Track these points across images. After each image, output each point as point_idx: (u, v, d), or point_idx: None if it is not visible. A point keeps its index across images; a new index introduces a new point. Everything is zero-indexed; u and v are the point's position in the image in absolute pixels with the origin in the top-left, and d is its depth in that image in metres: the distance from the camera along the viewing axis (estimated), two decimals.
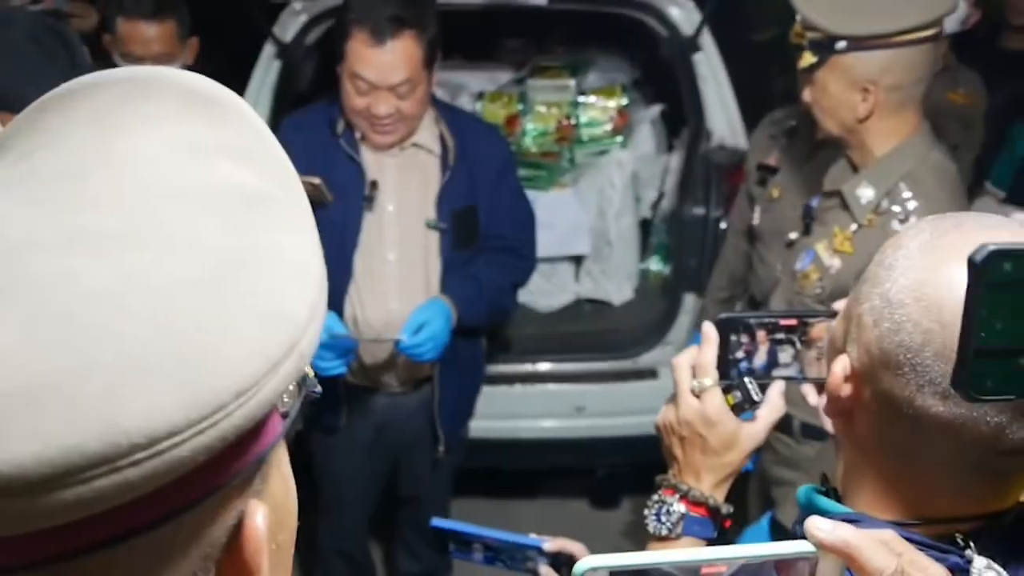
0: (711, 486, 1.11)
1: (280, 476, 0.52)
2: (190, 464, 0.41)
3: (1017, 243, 0.61)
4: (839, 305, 0.98)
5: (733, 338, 1.13)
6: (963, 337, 0.61)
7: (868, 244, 1.94)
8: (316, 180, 2.17)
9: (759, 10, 5.02)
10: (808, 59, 1.90)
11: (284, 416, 0.48)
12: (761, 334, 1.14)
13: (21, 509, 0.38)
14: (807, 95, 1.97)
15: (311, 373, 0.52)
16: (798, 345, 1.14)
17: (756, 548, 0.69)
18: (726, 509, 1.12)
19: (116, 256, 0.42)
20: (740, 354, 1.13)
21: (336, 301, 2.30)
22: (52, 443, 0.37)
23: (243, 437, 0.44)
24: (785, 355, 1.14)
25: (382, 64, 2.09)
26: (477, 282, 2.31)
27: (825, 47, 1.86)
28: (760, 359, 1.14)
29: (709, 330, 1.12)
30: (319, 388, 0.54)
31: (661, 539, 1.11)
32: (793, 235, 2.25)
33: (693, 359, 1.12)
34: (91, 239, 0.42)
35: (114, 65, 2.56)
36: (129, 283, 0.41)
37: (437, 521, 1.61)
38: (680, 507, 1.10)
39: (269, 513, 0.48)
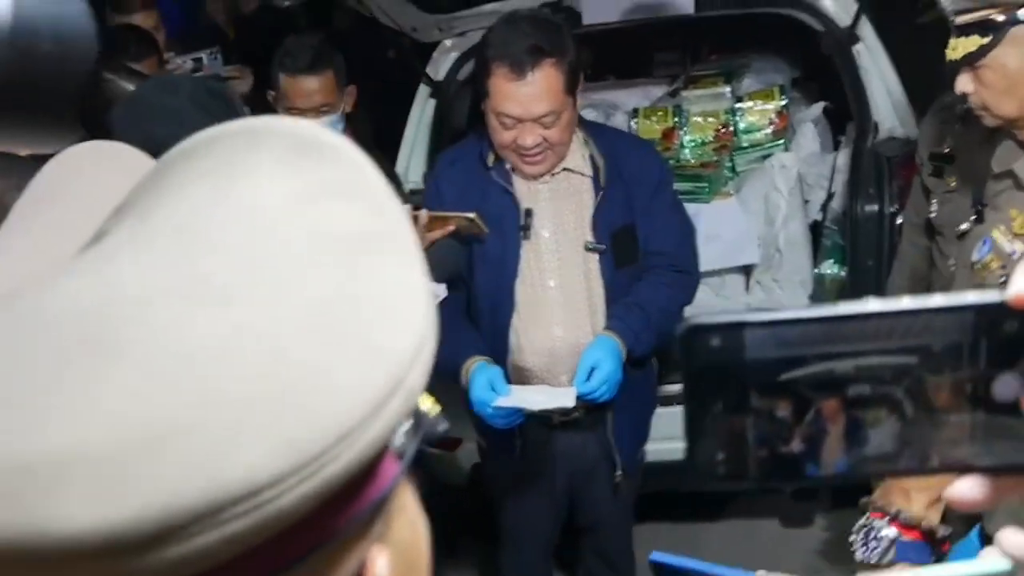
0: (924, 506, 1.02)
1: (405, 518, 0.51)
2: (298, 513, 0.40)
3: (727, 316, 0.51)
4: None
5: None
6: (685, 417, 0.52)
7: None
8: (471, 215, 2.19)
9: None
10: (974, 43, 1.76)
11: (400, 456, 0.47)
12: None
13: (124, 571, 0.38)
14: (969, 85, 1.83)
15: (431, 408, 0.51)
16: None
17: (942, 568, 0.61)
18: (943, 531, 1.01)
19: (229, 306, 0.42)
20: None
21: (501, 332, 2.31)
22: (154, 501, 0.37)
23: (353, 482, 0.43)
24: None
25: (525, 97, 2.10)
26: (642, 310, 2.27)
27: (999, 23, 1.72)
28: None
29: None
30: (442, 426, 0.52)
31: (872, 567, 1.01)
32: (965, 225, 2.09)
33: None
34: (206, 289, 0.43)
35: None
36: (239, 333, 0.41)
37: (657, 555, 1.56)
38: (890, 531, 1.01)
39: (395, 556, 0.47)
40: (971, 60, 1.78)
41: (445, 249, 2.20)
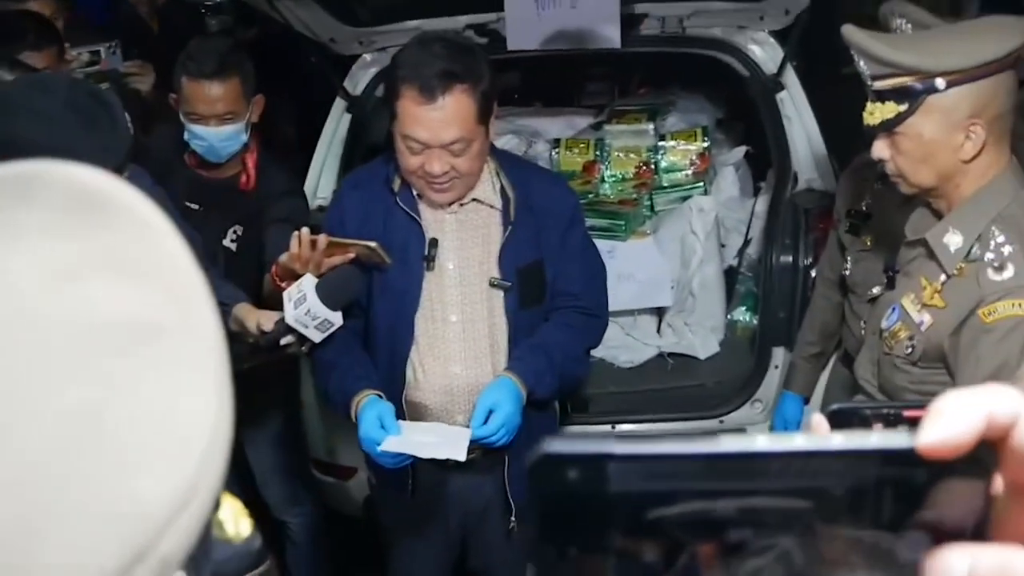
0: None
1: None
2: None
3: (587, 446, 0.43)
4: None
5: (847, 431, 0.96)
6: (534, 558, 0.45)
7: (961, 296, 1.74)
8: (372, 243, 2.08)
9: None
10: (891, 109, 1.72)
11: None
12: (879, 426, 0.98)
13: None
14: (886, 151, 1.78)
15: (238, 533, 0.41)
16: None
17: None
18: None
19: None
20: None
21: (397, 365, 2.19)
22: None
23: None
24: None
25: (433, 122, 1.99)
26: (546, 353, 2.18)
27: (916, 91, 1.68)
28: None
29: (819, 424, 0.96)
30: (256, 544, 0.41)
31: None
32: (876, 289, 2.05)
33: None
34: None
35: (180, 125, 2.55)
36: None
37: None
38: None
39: None
40: (888, 127, 1.73)
41: (344, 275, 2.08)
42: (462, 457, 2.01)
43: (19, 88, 1.69)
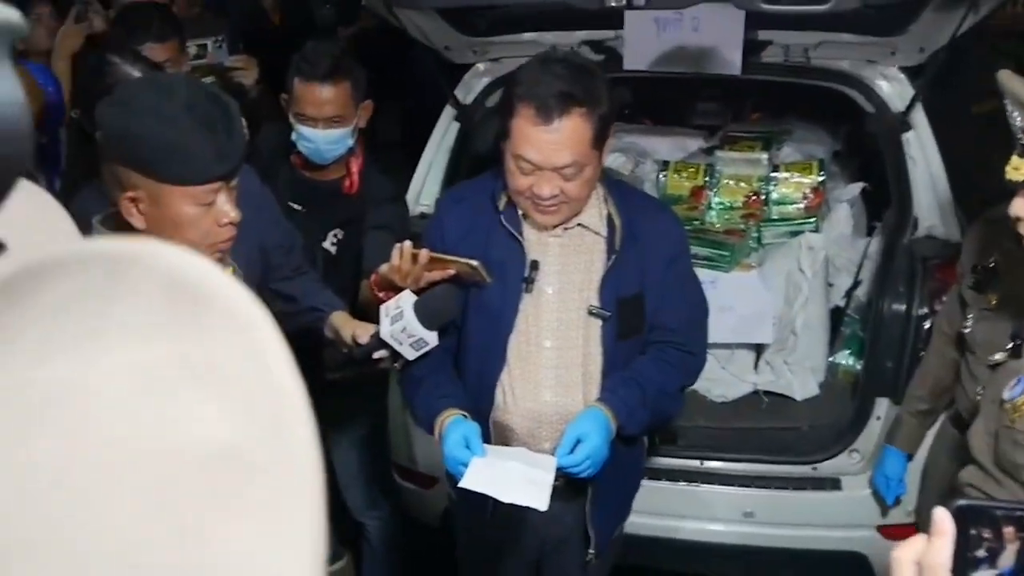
0: None
1: None
2: None
3: None
4: None
5: (973, 532, 0.89)
6: None
7: None
8: (474, 262, 2.04)
9: (979, 76, 4.61)
10: None
11: None
12: (1009, 530, 0.90)
13: None
14: None
15: None
16: None
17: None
18: None
19: None
20: (981, 552, 0.89)
21: (487, 387, 2.15)
22: None
23: None
24: None
25: (547, 145, 1.94)
26: (640, 387, 2.11)
27: None
28: (1007, 561, 0.89)
29: (943, 520, 0.88)
30: None
31: None
32: (999, 355, 1.92)
33: (920, 554, 0.88)
34: None
35: (287, 125, 2.55)
36: None
37: None
38: None
39: None
40: None
41: (443, 294, 2.04)
42: (543, 507, 1.94)
43: (142, 87, 1.70)
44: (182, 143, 1.59)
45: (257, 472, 0.32)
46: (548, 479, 1.96)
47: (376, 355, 2.05)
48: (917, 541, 0.90)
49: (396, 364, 2.09)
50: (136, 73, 2.12)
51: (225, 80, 3.16)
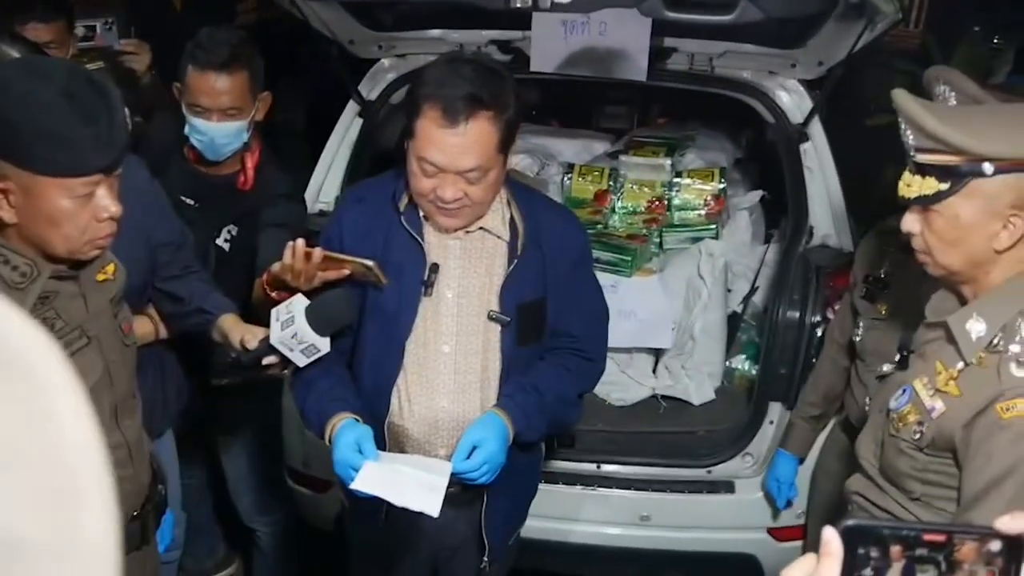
0: None
1: None
2: None
3: None
4: (1003, 523, 0.79)
5: (861, 551, 0.89)
6: None
7: (978, 387, 1.65)
8: (369, 262, 1.99)
9: (874, 91, 4.76)
10: (931, 186, 1.63)
11: None
12: (896, 549, 0.90)
13: None
14: (916, 226, 1.70)
15: None
16: (943, 567, 0.89)
17: None
18: None
19: None
20: (868, 572, 0.89)
21: (383, 391, 2.10)
22: None
23: None
24: None
25: (453, 148, 1.90)
26: (539, 394, 2.09)
27: (961, 172, 1.59)
28: None
29: (831, 540, 0.88)
30: None
31: None
32: (887, 367, 1.97)
33: (809, 574, 0.88)
34: None
35: (181, 116, 2.45)
36: None
37: None
38: None
39: None
40: (924, 202, 1.65)
41: (336, 299, 1.98)
42: (435, 513, 1.90)
43: (16, 70, 1.59)
44: (59, 132, 1.50)
45: (37, 559, 0.27)
46: (442, 484, 1.93)
47: (265, 361, 1.98)
48: (806, 561, 0.90)
49: (286, 371, 2.03)
50: (15, 54, 2.00)
51: (115, 65, 3.02)
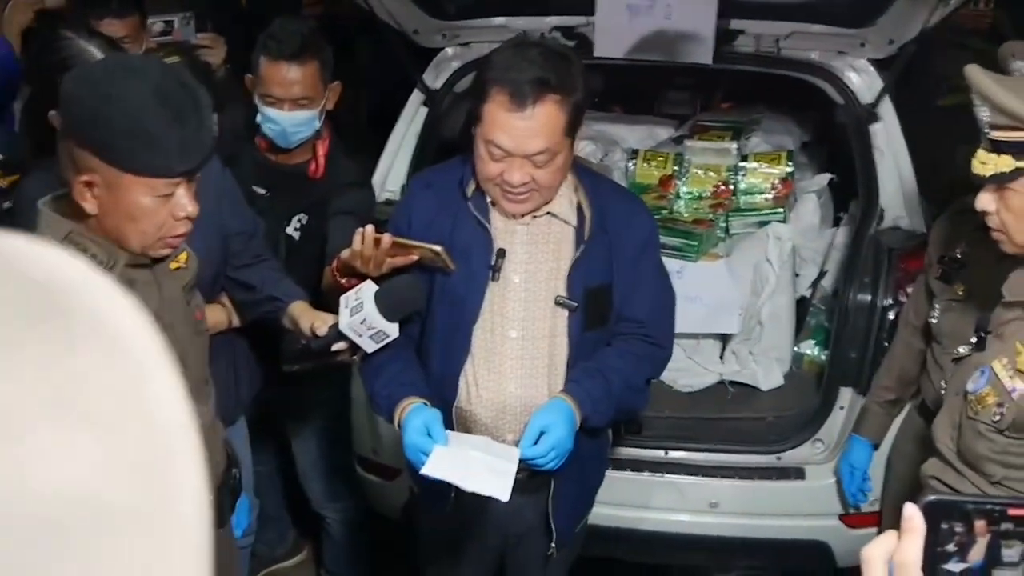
0: None
1: None
2: None
3: None
4: None
5: (944, 526, 0.88)
6: None
7: None
8: (438, 248, 2.00)
9: (946, 70, 4.65)
10: (1007, 163, 1.59)
11: None
12: (980, 524, 0.88)
13: None
14: (992, 204, 1.66)
15: None
16: None
17: None
18: None
19: None
20: (952, 547, 0.88)
21: (451, 376, 2.12)
22: None
23: None
24: (1012, 552, 0.88)
25: (520, 131, 1.90)
26: (605, 379, 2.08)
27: None
28: (977, 555, 0.88)
29: (913, 516, 0.86)
30: None
31: None
32: (963, 349, 1.92)
33: (890, 551, 0.87)
34: None
35: (252, 106, 2.49)
36: None
37: None
38: None
39: None
40: (1000, 180, 1.61)
41: (406, 285, 2.00)
42: (505, 498, 1.91)
43: (110, 67, 1.63)
44: (148, 132, 1.52)
45: (126, 527, 0.27)
46: (511, 469, 1.93)
47: (335, 347, 2.00)
48: (887, 538, 0.89)
49: (355, 357, 2.05)
50: (92, 49, 2.04)
51: (191, 59, 3.08)
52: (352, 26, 4.02)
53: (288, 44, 2.43)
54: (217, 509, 1.94)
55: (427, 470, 1.93)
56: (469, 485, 1.92)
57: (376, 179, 3.03)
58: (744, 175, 3.38)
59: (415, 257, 2.06)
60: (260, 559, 3.20)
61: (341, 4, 2.97)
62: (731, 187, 3.38)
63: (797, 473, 2.86)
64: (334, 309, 2.05)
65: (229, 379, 2.48)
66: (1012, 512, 0.88)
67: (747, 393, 3.16)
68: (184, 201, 1.62)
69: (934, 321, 2.29)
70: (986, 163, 1.62)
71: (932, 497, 0.89)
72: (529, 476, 2.12)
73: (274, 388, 2.63)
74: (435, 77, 3.15)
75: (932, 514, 0.88)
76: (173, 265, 1.81)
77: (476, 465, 1.94)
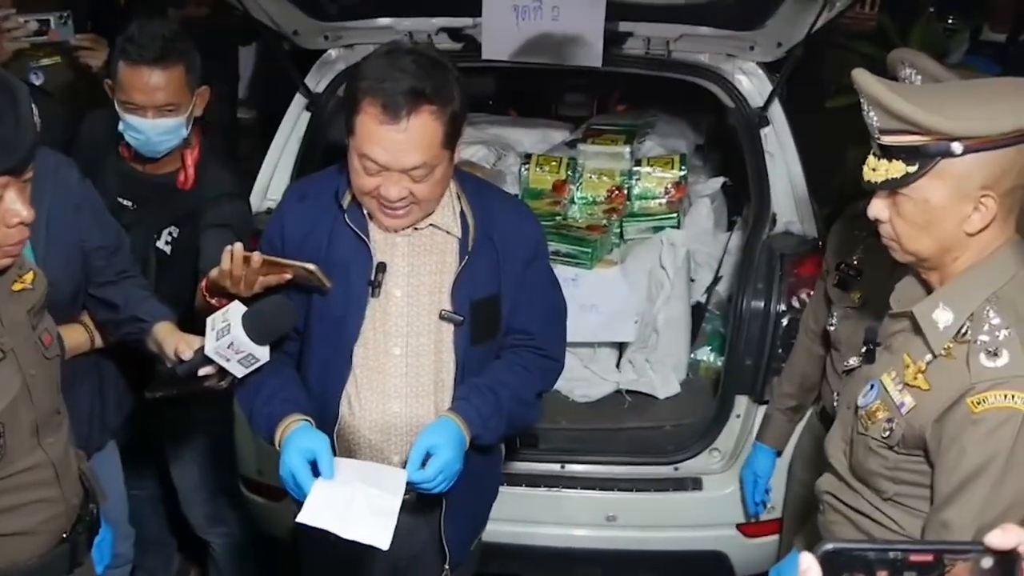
0: None
1: None
2: None
3: None
4: (994, 538, 0.75)
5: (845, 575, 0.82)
6: None
7: (947, 380, 1.58)
8: (311, 266, 1.88)
9: (834, 72, 4.73)
10: (898, 169, 1.55)
11: None
12: (883, 573, 0.82)
13: None
14: (884, 212, 1.62)
15: None
16: None
17: None
18: None
19: None
20: None
21: (331, 398, 2.00)
22: None
23: None
24: None
25: (395, 144, 1.79)
26: (495, 395, 2.00)
27: (929, 153, 1.51)
28: None
29: (810, 568, 0.80)
30: None
31: None
32: (853, 361, 1.89)
33: None
34: None
35: (114, 114, 2.33)
36: None
37: None
38: None
39: None
40: (891, 187, 1.57)
41: (275, 307, 1.87)
42: (385, 546, 1.80)
43: None
44: None
45: None
46: (395, 505, 1.83)
47: (201, 372, 1.86)
48: None
49: (223, 383, 1.91)
50: None
51: (70, 60, 2.89)
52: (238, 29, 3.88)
53: (149, 48, 2.27)
54: (72, 547, 1.78)
55: (304, 518, 1.81)
56: (348, 533, 1.81)
57: (257, 187, 2.90)
58: (638, 179, 3.35)
59: (288, 276, 1.93)
60: None
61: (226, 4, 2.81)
62: (625, 191, 3.35)
63: (695, 483, 2.83)
64: (204, 331, 1.92)
65: (95, 404, 2.32)
66: (914, 559, 0.82)
67: (644, 402, 3.12)
68: (16, 206, 1.48)
69: (832, 328, 2.28)
70: (876, 169, 1.59)
71: (829, 546, 0.82)
72: (419, 497, 2.02)
73: (149, 410, 2.47)
74: (318, 81, 3.04)
75: (831, 563, 0.82)
76: (17, 287, 1.65)
77: (358, 504, 1.83)
